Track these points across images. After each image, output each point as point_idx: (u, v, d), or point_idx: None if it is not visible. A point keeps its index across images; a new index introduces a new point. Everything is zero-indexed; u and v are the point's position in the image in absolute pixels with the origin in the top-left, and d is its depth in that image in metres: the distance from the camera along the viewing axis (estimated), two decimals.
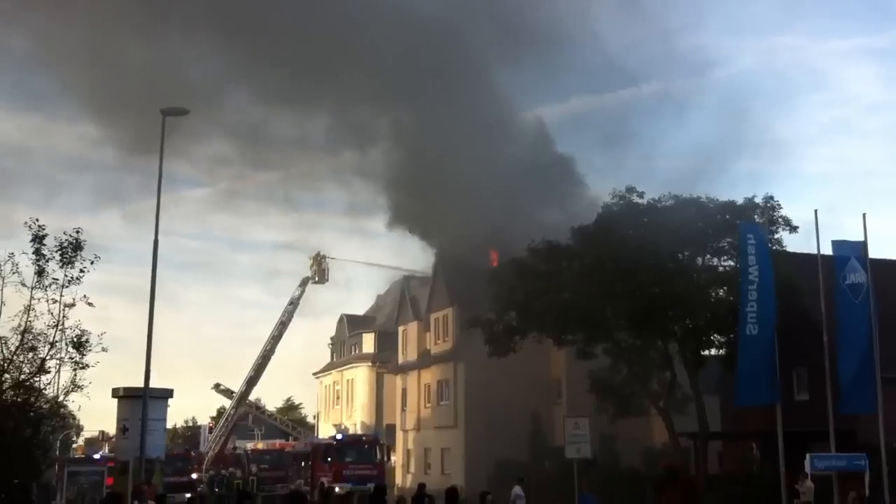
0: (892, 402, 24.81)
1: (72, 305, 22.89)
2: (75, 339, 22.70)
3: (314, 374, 76.59)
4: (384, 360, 62.72)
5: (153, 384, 21.60)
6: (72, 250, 22.59)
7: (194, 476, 44.90)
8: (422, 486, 25.68)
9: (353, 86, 55.15)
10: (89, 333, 23.10)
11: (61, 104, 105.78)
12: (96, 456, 49.56)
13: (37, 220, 22.73)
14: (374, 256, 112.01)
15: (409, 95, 53.46)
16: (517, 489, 25.61)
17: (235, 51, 59.88)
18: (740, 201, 31.40)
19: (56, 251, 22.48)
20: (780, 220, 30.68)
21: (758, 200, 31.03)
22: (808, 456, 23.59)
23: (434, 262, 51.93)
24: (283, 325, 62.37)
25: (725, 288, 31.64)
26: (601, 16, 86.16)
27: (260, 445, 56.15)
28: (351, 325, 70.71)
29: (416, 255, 55.68)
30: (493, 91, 52.76)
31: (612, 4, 78.26)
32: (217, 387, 64.97)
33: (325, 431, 65.40)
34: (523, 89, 55.93)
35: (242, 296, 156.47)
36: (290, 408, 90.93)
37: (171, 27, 56.62)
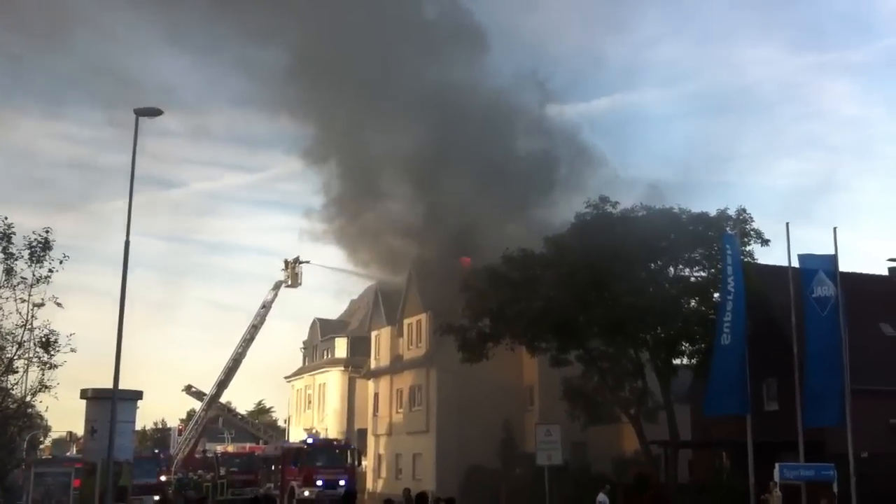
0: (859, 413, 25.07)
1: (41, 305, 22.72)
2: (43, 339, 22.52)
3: (286, 377, 76.25)
4: (357, 365, 62.57)
5: (122, 385, 21.39)
6: (41, 249, 22.41)
7: (163, 479, 44.56)
8: (407, 491, 25.27)
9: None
10: (58, 334, 22.94)
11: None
12: (64, 457, 49.13)
13: (5, 217, 22.55)
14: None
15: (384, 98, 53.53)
16: (602, 496, 24.72)
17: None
18: (713, 213, 31.59)
19: (25, 250, 22.30)
20: (752, 232, 30.88)
21: (730, 212, 31.24)
22: (777, 465, 23.75)
23: (408, 267, 51.88)
24: (255, 329, 62.10)
25: (697, 298, 31.83)
26: (572, 26, 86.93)
27: (230, 448, 55.91)
28: (324, 329, 70.48)
29: (391, 261, 55.65)
30: (465, 89, 52.70)
31: (584, 14, 78.84)
32: (188, 388, 64.56)
33: (296, 436, 65.10)
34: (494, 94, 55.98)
35: (215, 298, 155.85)
36: (261, 411, 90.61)
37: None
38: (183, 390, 64.95)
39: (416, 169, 50.73)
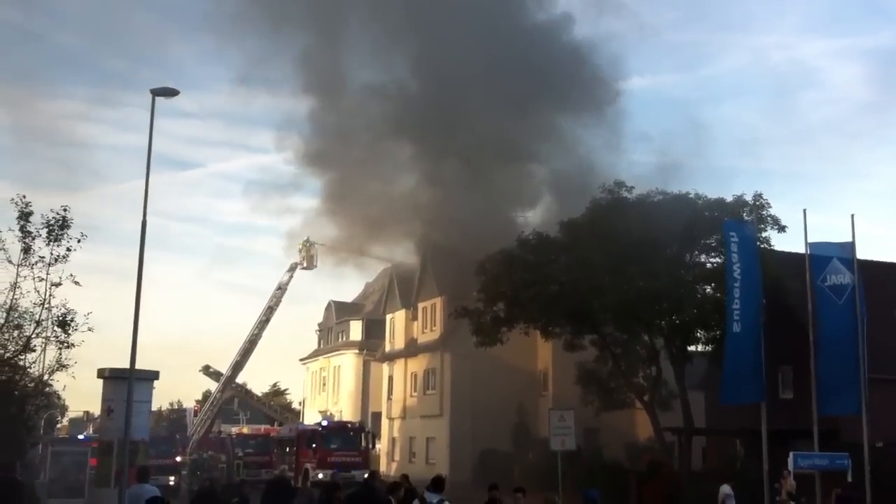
0: (876, 402, 24.96)
1: (58, 284, 22.83)
2: (60, 318, 22.65)
3: (301, 360, 76.63)
4: (371, 348, 62.75)
5: (139, 365, 21.51)
6: (58, 228, 22.49)
7: (178, 459, 44.90)
8: (405, 477, 25.24)
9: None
10: (75, 313, 23.07)
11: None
12: (80, 436, 49.54)
13: (24, 196, 22.61)
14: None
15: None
16: (726, 488, 24.03)
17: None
18: (729, 199, 31.41)
19: (43, 228, 22.39)
20: (768, 218, 30.67)
21: (747, 198, 31.02)
22: (791, 454, 23.68)
23: (422, 251, 51.86)
24: (270, 310, 62.37)
25: (713, 284, 31.70)
26: (591, 8, 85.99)
27: (245, 430, 56.15)
28: (339, 312, 70.69)
29: (405, 244, 55.55)
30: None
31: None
32: (206, 369, 64.97)
33: (311, 418, 65.44)
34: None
35: (231, 279, 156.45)
36: (276, 393, 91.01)
37: None
38: (201, 370, 65.43)
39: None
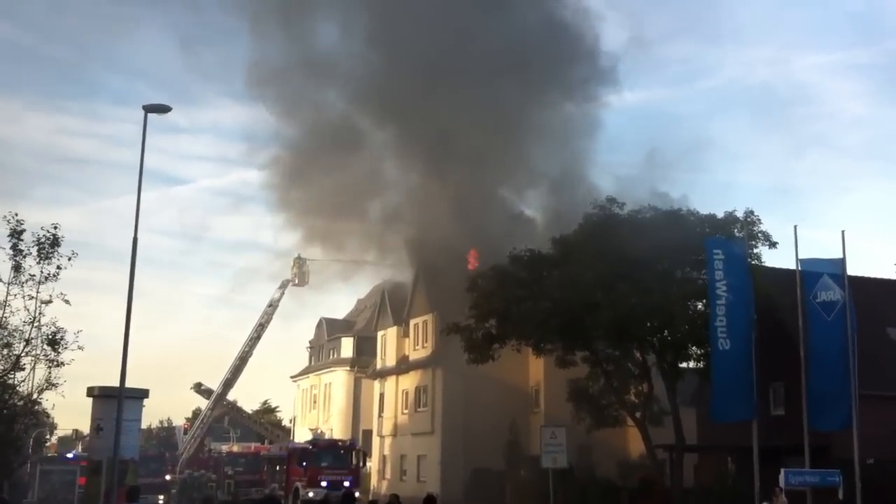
0: (867, 418, 24.96)
1: (48, 302, 22.73)
2: (50, 337, 22.54)
3: (292, 377, 76.36)
4: (362, 365, 62.58)
5: (129, 383, 21.42)
6: (49, 246, 22.41)
7: (168, 477, 44.67)
8: (395, 497, 25.13)
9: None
10: (65, 331, 22.97)
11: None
12: (69, 455, 49.24)
13: (16, 214, 22.55)
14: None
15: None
16: None
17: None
18: (720, 215, 31.48)
19: (33, 246, 22.31)
20: (759, 234, 30.72)
21: (738, 214, 31.11)
22: (782, 471, 23.64)
23: (414, 267, 51.75)
24: (261, 327, 62.18)
25: (704, 301, 31.69)
26: (582, 22, 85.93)
27: (235, 448, 55.89)
28: (330, 329, 70.52)
29: (397, 261, 55.32)
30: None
31: (594, 10, 77.63)
32: (198, 387, 64.68)
33: (302, 435, 65.16)
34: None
35: (222, 295, 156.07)
36: (267, 410, 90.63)
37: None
38: (192, 388, 65.13)
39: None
